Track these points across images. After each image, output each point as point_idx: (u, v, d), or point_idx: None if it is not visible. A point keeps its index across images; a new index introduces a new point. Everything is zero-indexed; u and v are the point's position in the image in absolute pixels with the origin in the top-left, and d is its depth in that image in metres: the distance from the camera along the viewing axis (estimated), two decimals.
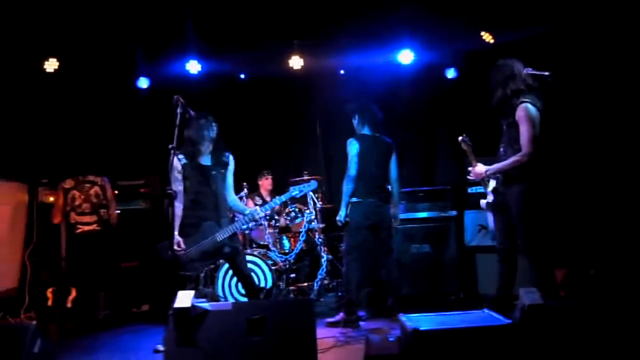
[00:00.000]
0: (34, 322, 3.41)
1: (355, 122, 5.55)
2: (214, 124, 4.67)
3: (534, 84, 4.18)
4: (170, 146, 3.83)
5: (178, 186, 4.52)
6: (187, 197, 4.57)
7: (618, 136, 5.54)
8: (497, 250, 4.45)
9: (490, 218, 4.52)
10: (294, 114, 7.78)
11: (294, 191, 4.83)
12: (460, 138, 4.58)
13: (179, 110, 3.92)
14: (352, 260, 5.28)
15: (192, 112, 4.05)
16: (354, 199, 5.28)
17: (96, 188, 6.09)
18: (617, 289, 4.29)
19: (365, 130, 5.46)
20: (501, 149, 4.37)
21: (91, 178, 6.12)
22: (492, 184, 4.42)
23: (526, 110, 4.10)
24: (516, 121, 4.16)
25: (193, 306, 3.34)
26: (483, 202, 4.55)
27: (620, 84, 5.70)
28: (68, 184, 6.04)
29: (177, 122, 3.89)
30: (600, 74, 5.79)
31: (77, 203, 5.99)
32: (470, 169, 4.51)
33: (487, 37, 6.80)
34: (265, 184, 7.16)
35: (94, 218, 6.02)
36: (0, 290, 5.98)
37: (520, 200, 4.19)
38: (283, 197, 4.89)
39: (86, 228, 6.00)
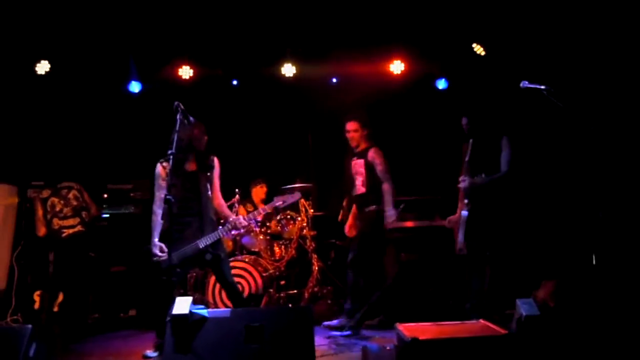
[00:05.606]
0: (30, 326, 3.39)
1: None
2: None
3: None
4: (169, 152, 3.82)
5: (162, 194, 4.45)
6: None
7: (613, 147, 5.60)
8: (468, 262, 4.75)
9: (461, 231, 4.67)
10: (286, 121, 7.78)
11: (277, 202, 4.92)
12: (470, 141, 4.69)
13: (178, 117, 3.91)
14: (362, 269, 5.31)
15: (192, 119, 4.05)
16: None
17: (74, 191, 6.15)
18: (608, 300, 4.36)
19: None
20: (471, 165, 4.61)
21: (66, 184, 6.17)
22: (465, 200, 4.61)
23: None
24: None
25: (191, 312, 3.34)
26: (465, 213, 4.66)
27: (614, 96, 5.79)
28: (44, 193, 6.10)
29: (177, 128, 3.87)
30: (593, 86, 5.87)
31: (57, 209, 6.04)
32: (462, 177, 4.59)
33: (478, 49, 6.90)
34: (260, 192, 6.97)
35: (77, 220, 6.08)
36: None
37: (491, 215, 4.52)
38: (267, 208, 5.00)
39: (71, 231, 6.03)
